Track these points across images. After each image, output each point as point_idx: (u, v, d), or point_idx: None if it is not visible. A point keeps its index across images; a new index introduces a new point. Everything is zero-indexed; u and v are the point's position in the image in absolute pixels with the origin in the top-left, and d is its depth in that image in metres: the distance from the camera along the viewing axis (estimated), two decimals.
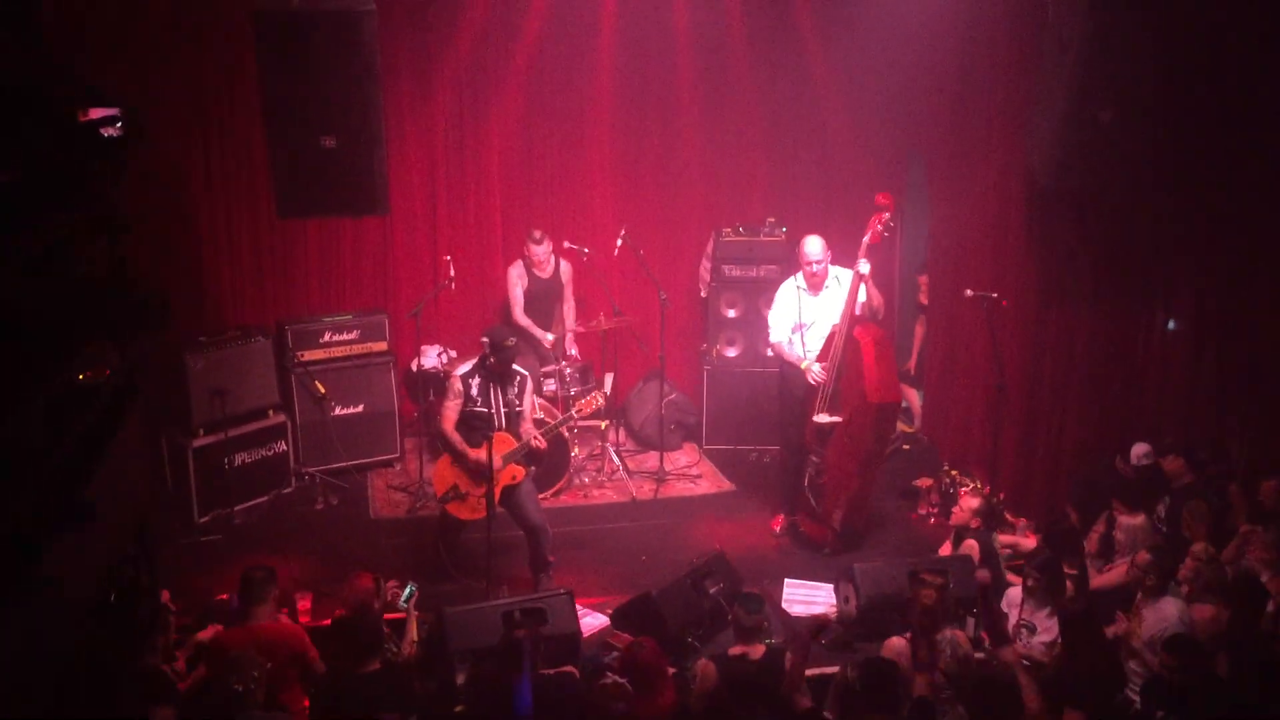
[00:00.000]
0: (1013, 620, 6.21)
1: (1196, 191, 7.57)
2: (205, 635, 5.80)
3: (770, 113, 9.55)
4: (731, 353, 9.26)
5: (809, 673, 5.54)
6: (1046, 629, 6.07)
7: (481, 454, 6.64)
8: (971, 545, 6.86)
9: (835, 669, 5.53)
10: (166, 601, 5.96)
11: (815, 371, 7.34)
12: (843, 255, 7.50)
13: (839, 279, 7.42)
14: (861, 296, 7.20)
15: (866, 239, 7.14)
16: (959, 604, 6.15)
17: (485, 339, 6.87)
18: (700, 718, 5.28)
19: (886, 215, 7.13)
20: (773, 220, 9.25)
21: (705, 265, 9.38)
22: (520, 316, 8.74)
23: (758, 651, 5.55)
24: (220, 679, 5.04)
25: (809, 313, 7.50)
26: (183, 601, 6.20)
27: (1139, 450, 7.51)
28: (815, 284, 7.49)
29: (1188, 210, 7.66)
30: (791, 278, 7.68)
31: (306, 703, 5.50)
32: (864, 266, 7.13)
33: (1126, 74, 6.73)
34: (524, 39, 9.08)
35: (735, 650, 5.61)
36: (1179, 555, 6.28)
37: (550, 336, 8.70)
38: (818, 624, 5.64)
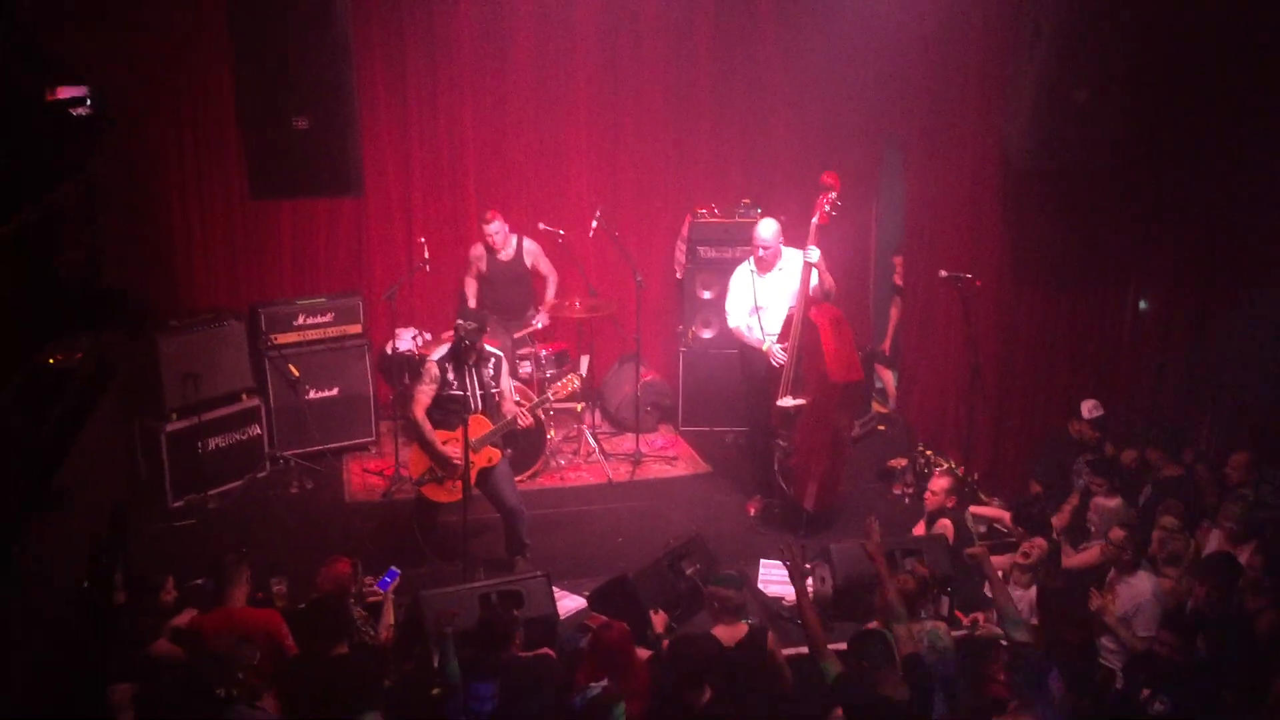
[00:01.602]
0: None
1: (1170, 172, 7.63)
2: (182, 620, 5.76)
3: (746, 94, 9.52)
4: (707, 334, 9.25)
5: (787, 653, 5.57)
6: (1027, 608, 6.12)
7: (451, 446, 6.69)
8: (946, 525, 6.89)
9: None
10: (170, 587, 5.94)
11: (777, 352, 7.36)
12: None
13: (791, 259, 7.44)
14: (814, 281, 7.24)
15: (815, 220, 7.15)
16: (936, 582, 6.19)
17: (459, 321, 6.84)
18: (677, 697, 5.28)
19: (833, 195, 7.12)
20: (747, 202, 9.23)
21: (680, 247, 9.36)
22: (467, 293, 8.80)
23: (740, 631, 5.56)
24: (201, 673, 5.02)
25: (763, 295, 7.54)
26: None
27: (1088, 405, 7.64)
28: (764, 266, 7.55)
29: (1161, 191, 7.72)
30: (745, 261, 7.72)
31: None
32: (812, 255, 7.15)
33: (1100, 55, 6.76)
34: (499, 20, 9.03)
35: (716, 630, 5.61)
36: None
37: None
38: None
